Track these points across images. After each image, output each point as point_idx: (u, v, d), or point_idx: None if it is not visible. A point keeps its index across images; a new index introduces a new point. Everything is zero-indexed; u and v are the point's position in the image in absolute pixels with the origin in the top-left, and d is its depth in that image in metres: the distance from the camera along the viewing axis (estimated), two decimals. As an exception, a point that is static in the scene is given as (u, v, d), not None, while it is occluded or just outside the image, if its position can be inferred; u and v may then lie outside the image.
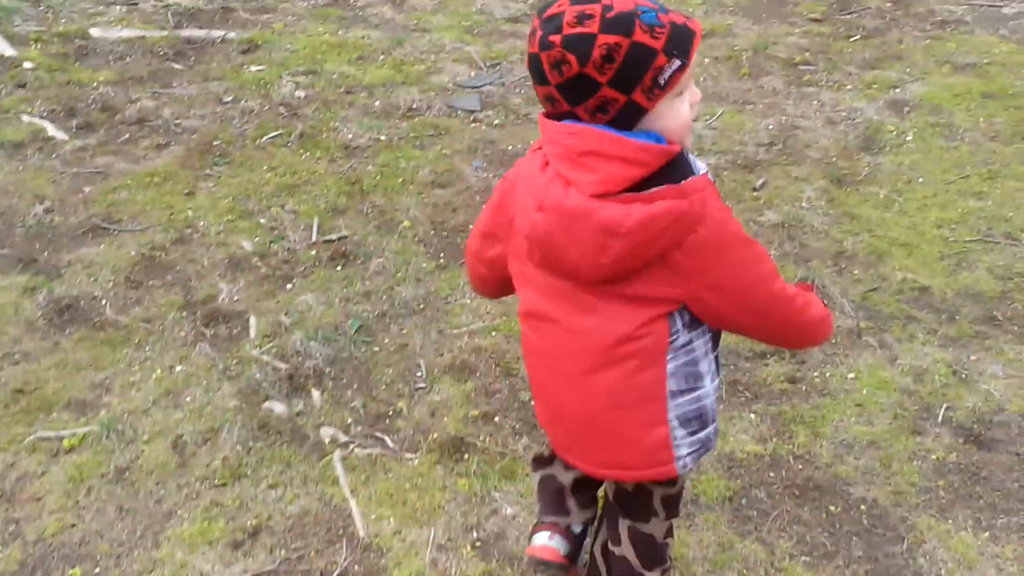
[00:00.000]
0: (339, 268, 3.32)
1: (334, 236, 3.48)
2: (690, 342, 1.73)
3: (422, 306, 3.13)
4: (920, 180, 3.78)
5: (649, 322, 1.68)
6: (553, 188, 1.61)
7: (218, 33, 5.30)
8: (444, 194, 3.75)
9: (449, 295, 3.18)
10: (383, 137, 4.21)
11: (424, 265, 3.33)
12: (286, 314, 3.08)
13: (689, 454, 1.79)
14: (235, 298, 3.16)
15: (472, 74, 4.84)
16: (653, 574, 2.01)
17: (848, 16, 5.49)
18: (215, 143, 4.17)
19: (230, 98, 4.58)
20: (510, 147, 4.12)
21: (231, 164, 4.00)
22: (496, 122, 4.35)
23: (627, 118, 1.57)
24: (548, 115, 1.64)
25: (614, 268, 1.61)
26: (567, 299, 1.72)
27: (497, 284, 1.93)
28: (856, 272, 3.23)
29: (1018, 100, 4.38)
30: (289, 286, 3.23)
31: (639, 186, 1.56)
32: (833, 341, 2.92)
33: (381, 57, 5.02)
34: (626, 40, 1.50)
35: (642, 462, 1.80)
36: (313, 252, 3.40)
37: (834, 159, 3.96)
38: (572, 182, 1.59)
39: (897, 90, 4.56)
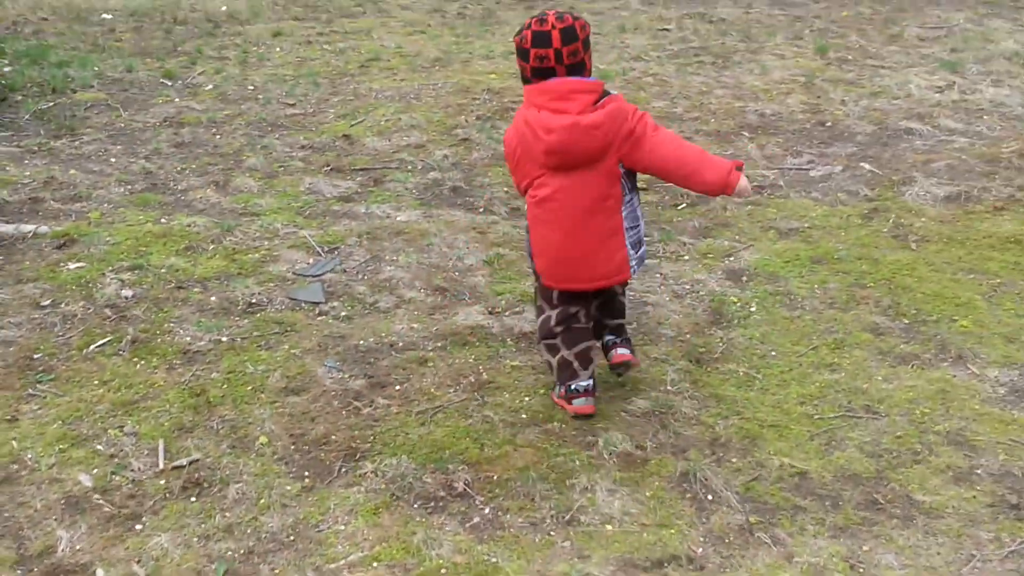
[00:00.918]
0: (193, 499, 3.02)
1: (184, 460, 3.19)
2: (631, 199, 3.23)
3: (292, 537, 2.87)
4: (773, 354, 3.86)
5: (611, 188, 3.14)
6: (552, 118, 3.06)
7: (28, 227, 4.94)
8: (300, 402, 3.53)
9: (320, 521, 2.94)
10: (224, 338, 3.96)
11: (288, 488, 3.08)
12: (139, 562, 2.76)
13: (636, 265, 3.32)
14: (77, 547, 2.81)
15: (311, 261, 4.68)
16: (623, 316, 3.59)
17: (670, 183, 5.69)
18: (36, 356, 3.81)
19: (48, 302, 4.24)
20: (362, 341, 3.95)
21: (57, 380, 3.65)
22: (343, 314, 4.19)
23: (585, 67, 3.13)
24: (534, 79, 3.10)
25: (600, 148, 3.08)
26: (569, 185, 3.13)
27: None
28: (734, 460, 3.21)
29: (844, 264, 4.60)
30: (139, 526, 2.91)
31: (594, 103, 3.06)
32: (727, 540, 2.85)
33: (211, 246, 4.79)
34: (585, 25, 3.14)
35: (615, 272, 3.27)
36: (162, 482, 3.09)
37: (688, 336, 4.00)
38: (563, 111, 3.04)
39: (731, 259, 4.70)
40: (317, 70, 8.06)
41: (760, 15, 10.49)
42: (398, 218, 5.19)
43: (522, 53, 3.12)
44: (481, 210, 5.34)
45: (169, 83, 7.69)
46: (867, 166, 5.88)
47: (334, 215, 5.25)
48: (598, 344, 3.51)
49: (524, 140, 3.15)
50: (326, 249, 4.79)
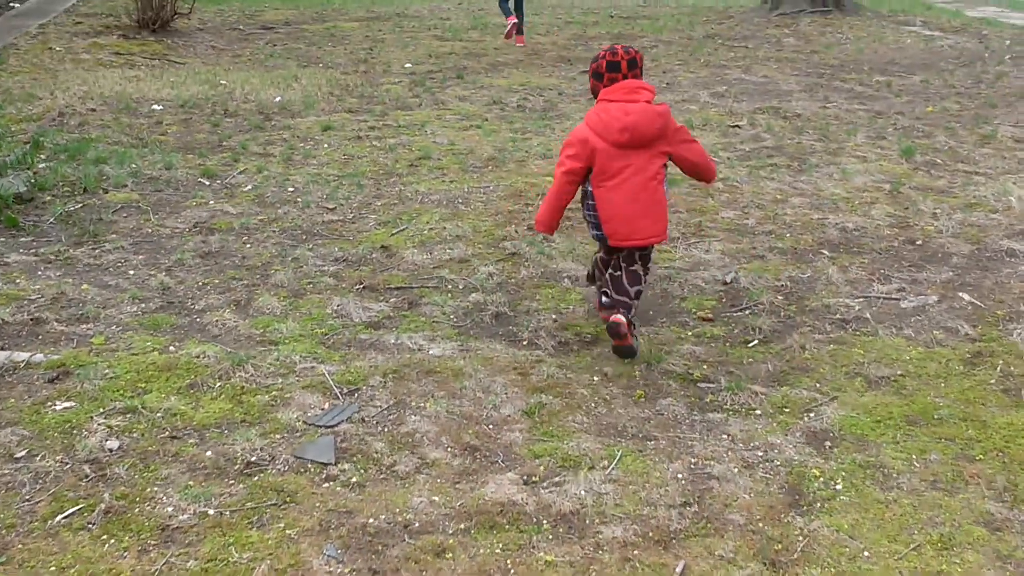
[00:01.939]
0: None
1: None
2: (666, 177, 4.36)
3: None
4: (865, 554, 3.16)
5: (661, 168, 4.29)
6: (628, 105, 4.20)
7: (22, 356, 4.47)
8: (285, 609, 2.92)
9: None
10: (212, 511, 3.39)
11: None
12: None
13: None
14: None
15: (326, 406, 4.11)
16: (640, 287, 4.51)
17: (740, 313, 5.05)
18: (-7, 528, 3.27)
19: (23, 453, 3.73)
20: (372, 520, 3.35)
21: (9, 564, 3.10)
22: (354, 480, 3.60)
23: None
24: (607, 86, 4.33)
25: (658, 132, 4.22)
26: (632, 162, 4.23)
27: (562, 205, 4.48)
28: None
29: (946, 427, 3.90)
30: None
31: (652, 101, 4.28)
32: None
33: (218, 384, 4.27)
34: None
35: (660, 233, 4.38)
36: None
37: (760, 524, 3.33)
38: (635, 100, 4.21)
39: (812, 415, 4.03)
40: (363, 169, 7.62)
41: (838, 110, 9.87)
42: (431, 351, 4.62)
43: (597, 76, 4.40)
44: (525, 343, 4.74)
45: (207, 183, 7.30)
46: (966, 296, 5.17)
47: (360, 345, 4.70)
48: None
49: (601, 124, 4.26)
50: (345, 391, 4.23)
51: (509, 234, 6.16)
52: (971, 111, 9.77)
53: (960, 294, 5.21)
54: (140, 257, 5.84)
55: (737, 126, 9.09)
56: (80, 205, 6.67)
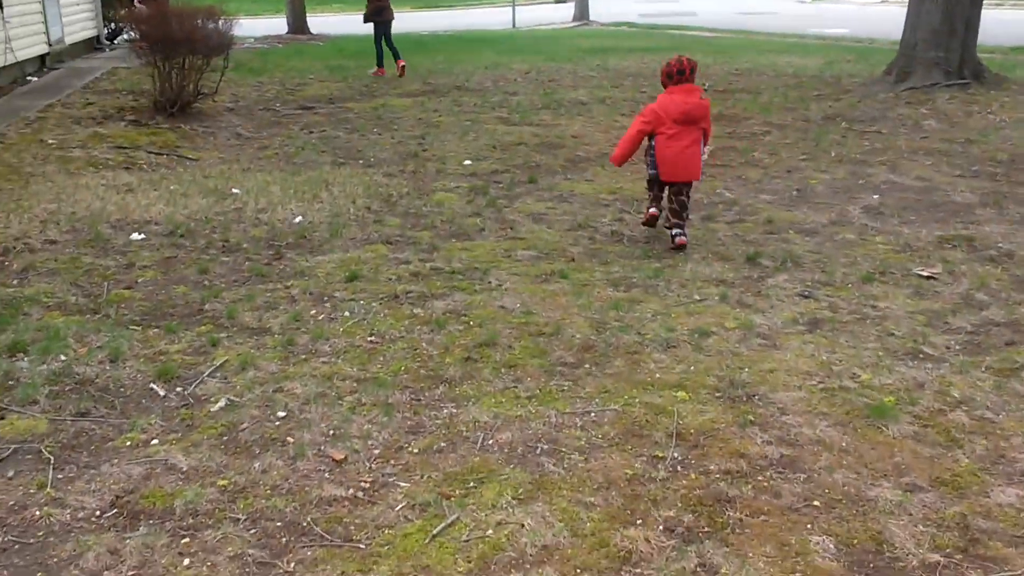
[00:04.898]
0: None
1: None
2: (704, 142, 7.30)
3: None
4: None
5: (699, 135, 7.17)
6: (687, 97, 7.08)
7: None
8: None
9: None
10: None
11: None
12: None
13: (700, 175, 7.38)
14: None
15: None
16: (687, 212, 7.29)
17: None
18: None
19: None
20: None
21: None
22: None
23: (694, 79, 7.31)
24: (674, 84, 7.18)
25: (701, 116, 7.11)
26: (684, 131, 7.06)
27: (633, 150, 7.35)
28: None
29: None
30: None
31: (700, 96, 7.21)
32: None
33: None
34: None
35: (695, 175, 7.20)
36: None
37: None
38: (691, 96, 7.08)
39: None
40: (395, 367, 5.07)
41: (1056, 243, 7.14)
42: None
43: (669, 76, 7.13)
44: None
45: (161, 392, 4.82)
46: None
47: None
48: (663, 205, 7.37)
49: (668, 107, 6.99)
50: None
51: (635, 546, 3.52)
52: None
53: None
54: (-6, 595, 3.33)
55: (932, 278, 6.40)
56: (-52, 449, 4.21)
